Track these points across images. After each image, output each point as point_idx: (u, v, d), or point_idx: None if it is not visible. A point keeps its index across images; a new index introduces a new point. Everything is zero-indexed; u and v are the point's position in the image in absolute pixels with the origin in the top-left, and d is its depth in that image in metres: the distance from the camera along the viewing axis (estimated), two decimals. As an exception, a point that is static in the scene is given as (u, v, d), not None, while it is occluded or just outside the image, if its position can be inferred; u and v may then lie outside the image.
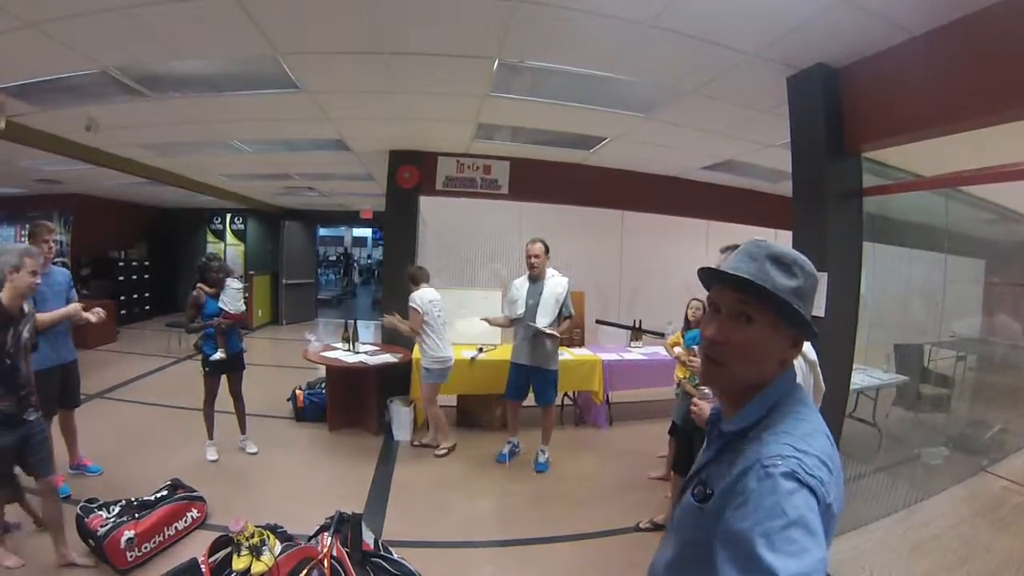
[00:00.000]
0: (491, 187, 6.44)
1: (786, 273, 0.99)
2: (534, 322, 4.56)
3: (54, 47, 3.50)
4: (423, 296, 4.90)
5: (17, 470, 3.03)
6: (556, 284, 4.67)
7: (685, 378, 4.03)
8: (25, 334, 2.96)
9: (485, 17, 3.05)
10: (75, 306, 3.80)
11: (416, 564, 2.98)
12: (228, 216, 12.89)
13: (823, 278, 3.03)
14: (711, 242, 7.18)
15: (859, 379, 4.53)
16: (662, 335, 6.31)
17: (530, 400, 4.91)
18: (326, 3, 2.95)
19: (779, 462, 0.86)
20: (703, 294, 3.91)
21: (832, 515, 0.88)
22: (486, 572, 3.35)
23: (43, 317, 3.62)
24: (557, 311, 4.62)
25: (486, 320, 5.03)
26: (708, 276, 1.10)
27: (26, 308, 3.01)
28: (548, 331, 4.56)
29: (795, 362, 1.07)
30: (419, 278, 5.04)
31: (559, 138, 5.51)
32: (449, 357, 4.98)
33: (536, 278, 4.71)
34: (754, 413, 0.99)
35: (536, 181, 6.45)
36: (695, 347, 3.67)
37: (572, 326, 4.88)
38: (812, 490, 0.84)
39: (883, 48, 3.03)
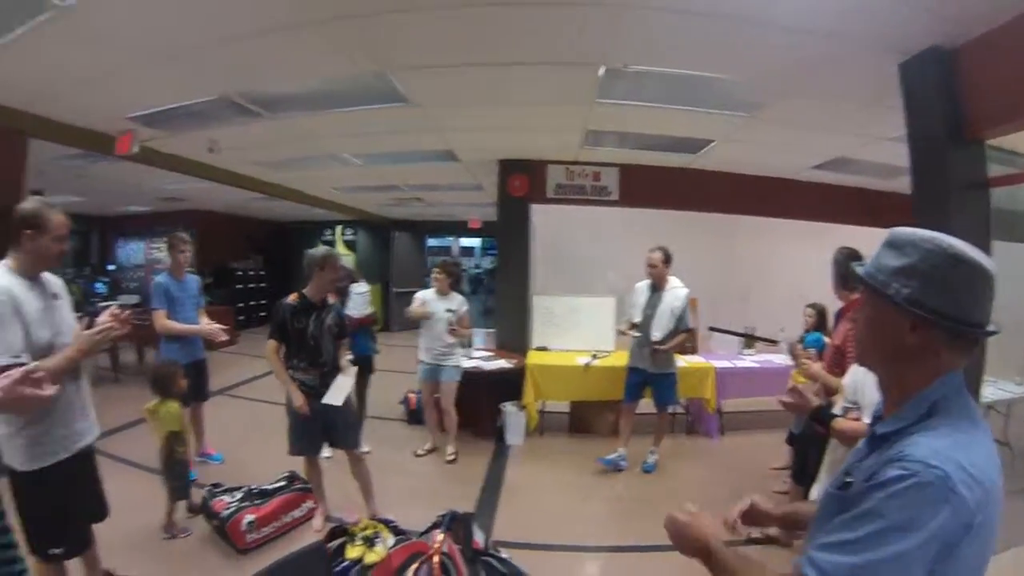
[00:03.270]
0: (601, 194, 6.39)
1: (895, 253, 0.96)
2: (649, 332, 4.52)
3: (181, 77, 3.81)
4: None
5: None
6: (674, 297, 4.56)
7: (802, 383, 3.75)
8: (328, 321, 3.50)
9: (589, 24, 3.02)
10: (206, 328, 4.27)
11: (524, 564, 2.91)
12: (339, 227, 13.39)
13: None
14: (825, 245, 6.69)
15: (989, 392, 4.25)
16: (775, 342, 5.98)
17: (642, 407, 4.85)
18: (431, 20, 3.00)
19: (920, 468, 0.82)
20: (815, 298, 3.62)
21: (976, 536, 0.83)
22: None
23: (175, 327, 4.11)
24: (673, 325, 4.50)
25: (621, 331, 4.93)
26: None
27: (330, 300, 3.61)
28: (656, 345, 4.48)
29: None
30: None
31: (666, 142, 5.41)
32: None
33: (656, 287, 4.63)
34: (911, 414, 0.94)
35: (645, 187, 6.37)
36: (811, 349, 3.48)
37: (684, 340, 4.71)
38: (952, 507, 0.80)
39: (1001, 23, 2.74)
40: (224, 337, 4.21)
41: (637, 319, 4.64)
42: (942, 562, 0.81)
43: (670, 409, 5.04)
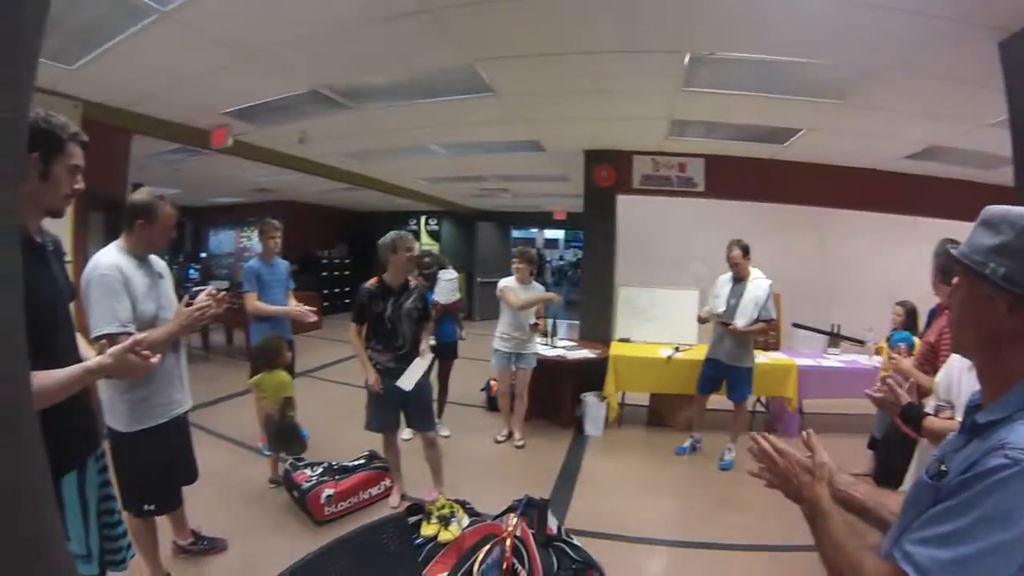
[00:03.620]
0: (687, 185, 6.29)
1: (990, 231, 0.92)
2: (732, 321, 4.48)
3: (272, 73, 3.99)
4: None
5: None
6: (757, 287, 4.52)
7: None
8: (407, 304, 3.57)
9: (670, 9, 2.96)
10: (294, 309, 4.38)
11: (595, 553, 2.92)
12: (423, 218, 13.69)
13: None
14: (917, 240, 6.31)
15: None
16: (862, 342, 5.67)
17: (721, 404, 4.81)
18: (514, 9, 2.99)
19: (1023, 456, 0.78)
20: (907, 297, 3.38)
21: None
22: (665, 570, 3.25)
23: (266, 309, 4.28)
24: (756, 314, 4.46)
25: (701, 317, 4.92)
26: None
27: (411, 283, 3.65)
28: (733, 326, 4.44)
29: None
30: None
31: (752, 132, 5.25)
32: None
33: (739, 278, 4.60)
34: (1014, 402, 0.88)
35: (731, 178, 6.22)
36: (901, 345, 3.32)
37: (765, 329, 4.65)
38: None
39: None
40: (313, 318, 4.31)
41: (721, 309, 4.61)
42: None
43: (748, 405, 4.94)
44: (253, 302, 4.30)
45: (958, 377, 1.91)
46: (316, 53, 3.65)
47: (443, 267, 5.15)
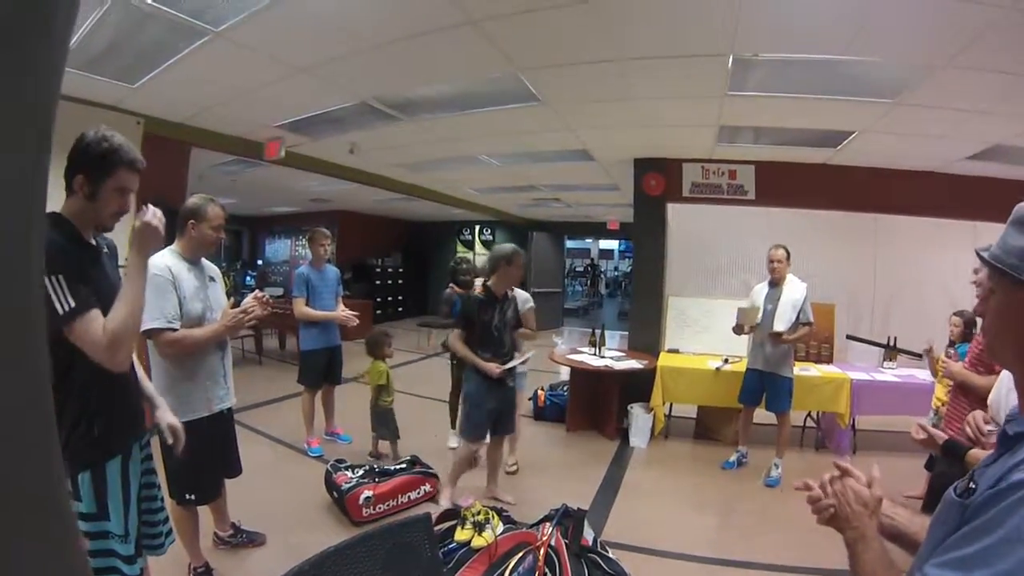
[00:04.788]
0: (737, 192, 6.19)
1: (1022, 230, 0.85)
2: (771, 327, 4.44)
3: (322, 86, 4.12)
4: None
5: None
6: (794, 290, 4.50)
7: (945, 403, 3.40)
8: (509, 313, 3.74)
9: (711, 11, 2.91)
10: (340, 315, 4.61)
11: (630, 568, 2.89)
12: (477, 228, 13.89)
13: None
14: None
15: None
16: (919, 355, 5.42)
17: (770, 418, 4.73)
18: (555, 19, 3.01)
19: None
20: (965, 306, 3.23)
21: None
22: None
23: (312, 314, 4.48)
24: (795, 317, 4.43)
25: (735, 329, 4.75)
26: None
27: (509, 293, 3.81)
28: (776, 331, 4.40)
29: None
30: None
31: (803, 136, 5.11)
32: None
33: (776, 283, 4.58)
34: None
35: (782, 185, 6.08)
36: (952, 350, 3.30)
37: (807, 334, 4.61)
38: None
39: None
40: (355, 323, 4.54)
41: (758, 319, 4.56)
42: None
43: (796, 419, 4.85)
44: (301, 307, 4.46)
45: (1006, 395, 1.80)
46: (364, 66, 3.75)
47: (479, 276, 5.19)
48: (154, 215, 1.70)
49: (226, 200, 3.24)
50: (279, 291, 10.20)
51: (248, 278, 12.53)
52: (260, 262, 13.78)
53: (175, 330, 2.36)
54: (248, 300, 2.56)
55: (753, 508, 4.08)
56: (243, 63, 3.65)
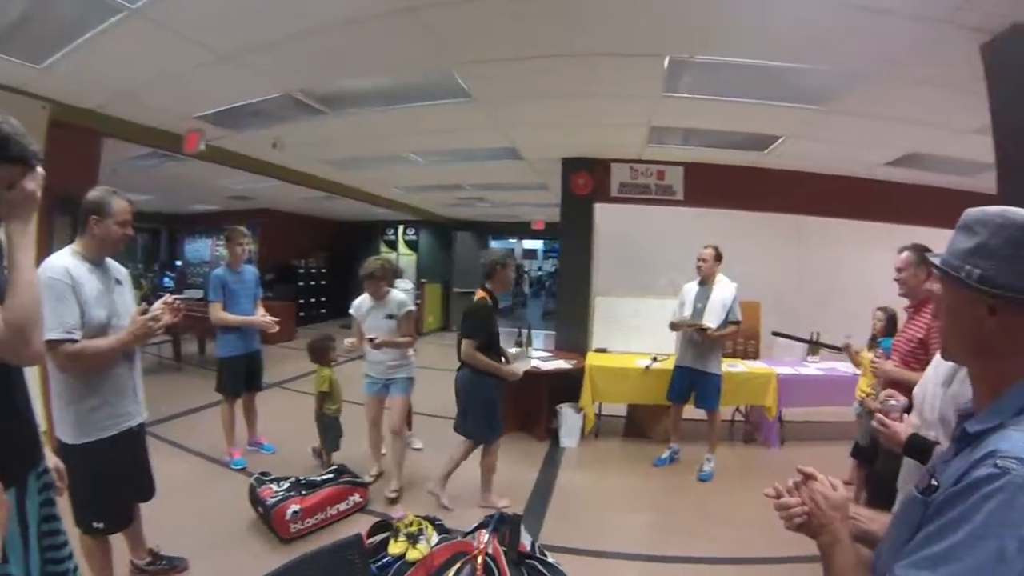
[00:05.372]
0: (666, 193, 6.30)
1: (966, 234, 0.92)
2: (702, 323, 4.51)
3: (246, 75, 3.89)
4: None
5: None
6: (724, 289, 4.60)
7: (870, 395, 3.54)
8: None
9: (654, 11, 2.92)
10: (259, 320, 4.45)
11: (570, 570, 2.82)
12: (401, 228, 13.72)
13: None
14: (896, 247, 6.32)
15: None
16: (840, 350, 5.68)
17: (700, 414, 4.79)
18: (493, 11, 2.95)
19: (1014, 466, 0.75)
20: (886, 303, 3.34)
21: None
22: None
23: (229, 319, 4.26)
24: (724, 316, 4.52)
25: (672, 326, 4.81)
26: None
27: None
28: (702, 325, 4.47)
29: None
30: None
31: (732, 139, 5.25)
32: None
33: (704, 281, 4.66)
34: (1005, 410, 0.86)
35: (710, 186, 6.23)
36: (880, 350, 3.33)
37: (733, 332, 4.71)
38: None
39: None
40: (275, 328, 4.38)
41: (688, 313, 4.64)
42: None
43: (722, 413, 4.94)
44: (217, 312, 4.23)
45: (932, 392, 1.85)
46: (291, 55, 3.56)
47: (398, 276, 5.03)
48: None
49: (143, 196, 2.98)
50: (199, 293, 9.71)
51: (166, 280, 11.88)
52: (179, 263, 13.14)
53: (75, 341, 2.09)
54: (157, 306, 2.32)
55: (690, 503, 4.14)
56: (162, 46, 3.38)
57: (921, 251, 2.83)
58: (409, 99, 4.42)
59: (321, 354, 4.41)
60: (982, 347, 0.91)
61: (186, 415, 5.50)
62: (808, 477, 1.14)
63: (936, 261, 0.96)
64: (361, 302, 4.14)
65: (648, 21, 3.03)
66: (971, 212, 0.93)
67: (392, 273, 4.58)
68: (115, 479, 2.35)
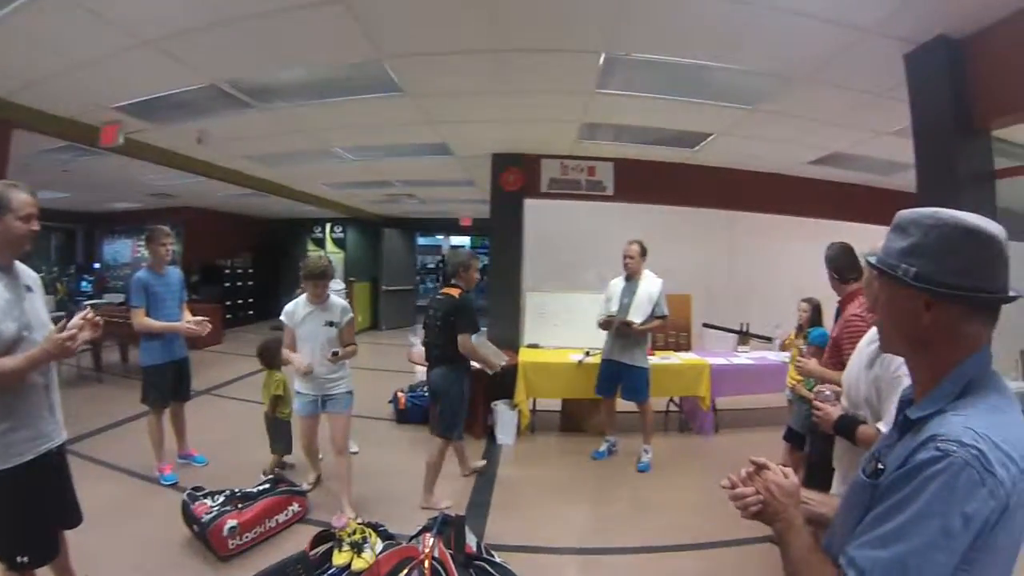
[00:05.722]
0: (596, 189, 6.35)
1: (900, 235, 0.97)
2: (628, 319, 4.56)
3: (168, 64, 3.68)
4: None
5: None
6: (650, 284, 4.68)
7: (800, 381, 3.70)
8: None
9: (592, 8, 2.95)
10: (184, 326, 4.17)
11: (518, 568, 2.86)
12: (328, 225, 13.41)
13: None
14: (820, 242, 6.65)
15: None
16: (770, 339, 5.93)
17: (633, 406, 4.83)
18: (426, 2, 2.92)
19: (955, 448, 0.80)
20: (812, 294, 3.51)
21: (1011, 519, 0.81)
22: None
23: (153, 325, 4.02)
24: (650, 310, 4.60)
25: (602, 325, 4.84)
26: None
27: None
28: (632, 323, 4.53)
29: None
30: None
31: (663, 136, 5.36)
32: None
33: (631, 277, 4.73)
34: (943, 396, 0.91)
35: (640, 182, 6.33)
36: (806, 348, 3.46)
37: (659, 326, 4.82)
38: (988, 489, 0.78)
39: (1007, 14, 2.76)
40: (205, 331, 4.14)
41: (614, 309, 4.70)
42: (977, 549, 0.79)
43: (656, 404, 5.04)
44: (140, 318, 4.00)
45: (856, 375, 1.95)
46: (217, 43, 3.40)
47: (332, 277, 4.91)
48: None
49: (58, 194, 2.72)
50: (120, 297, 9.22)
51: (84, 284, 11.18)
52: (98, 265, 12.36)
53: None
54: (76, 321, 2.10)
55: (628, 494, 4.24)
56: (77, 28, 3.16)
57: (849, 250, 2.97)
58: (339, 92, 4.32)
59: (272, 357, 4.26)
60: (920, 340, 0.95)
61: (110, 429, 5.16)
62: (760, 467, 1.16)
63: (872, 260, 1.00)
64: (295, 307, 3.68)
65: (586, 18, 3.06)
66: (904, 214, 0.98)
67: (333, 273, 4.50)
68: (37, 508, 2.16)
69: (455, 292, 3.94)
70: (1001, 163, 3.16)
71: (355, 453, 4.63)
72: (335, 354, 3.52)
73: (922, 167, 3.27)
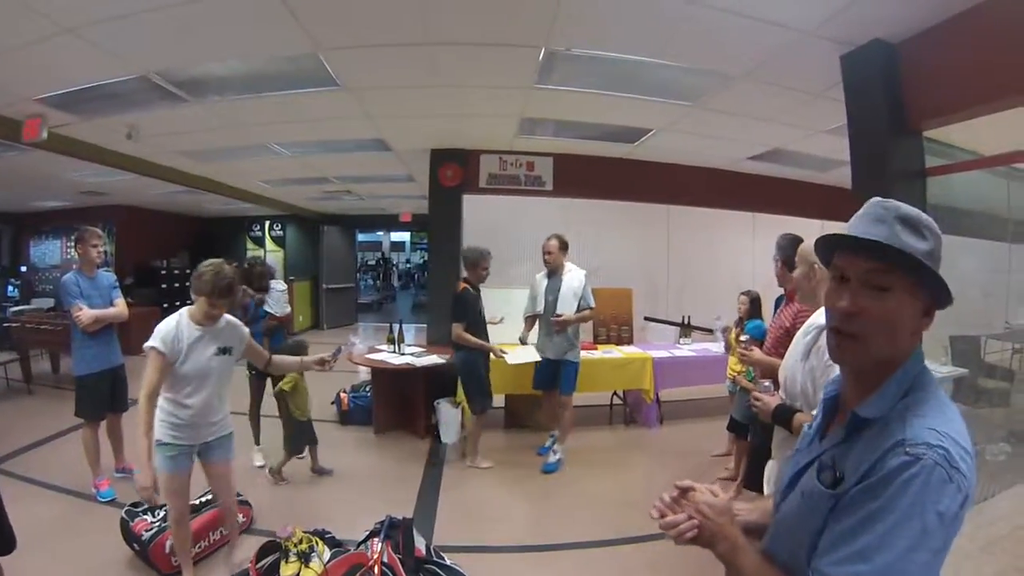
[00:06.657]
0: (535, 184, 6.39)
1: (917, 235, 0.91)
2: (556, 316, 4.57)
3: (94, 53, 3.51)
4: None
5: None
6: (573, 278, 4.66)
7: (740, 373, 3.84)
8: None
9: (532, 2, 2.97)
10: (113, 311, 4.07)
11: (470, 569, 2.89)
12: (267, 223, 13.14)
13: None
14: (758, 235, 7.01)
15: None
16: (711, 331, 6.11)
17: (578, 400, 4.87)
18: None
19: (925, 451, 0.81)
20: (750, 286, 3.62)
21: (970, 505, 0.83)
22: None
23: (98, 313, 3.91)
24: (576, 304, 4.61)
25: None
26: (831, 243, 0.99)
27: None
28: (561, 319, 4.54)
29: None
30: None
31: (603, 131, 5.41)
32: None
33: (553, 273, 4.72)
34: (892, 395, 0.91)
35: (580, 177, 6.39)
36: (748, 338, 3.48)
37: (588, 317, 4.81)
38: (956, 484, 0.80)
39: (940, 20, 2.92)
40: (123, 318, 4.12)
41: (540, 307, 4.72)
42: (948, 540, 0.82)
43: (600, 397, 5.13)
44: (83, 312, 3.85)
45: (792, 366, 2.01)
46: (146, 32, 3.25)
47: (273, 278, 4.84)
48: None
49: None
50: (49, 302, 8.85)
51: (10, 288, 10.57)
52: (24, 268, 11.69)
53: None
54: None
55: (574, 490, 4.29)
56: None
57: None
58: (275, 86, 4.23)
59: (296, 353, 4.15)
60: (902, 345, 0.92)
61: (42, 445, 4.89)
62: (685, 490, 1.11)
63: (920, 257, 0.89)
64: (177, 330, 2.62)
65: (525, 11, 3.07)
66: (913, 213, 0.93)
67: (270, 274, 4.47)
68: None
69: (461, 286, 4.53)
70: (932, 162, 3.33)
71: (301, 458, 4.50)
72: (335, 355, 3.07)
73: (857, 164, 3.44)
